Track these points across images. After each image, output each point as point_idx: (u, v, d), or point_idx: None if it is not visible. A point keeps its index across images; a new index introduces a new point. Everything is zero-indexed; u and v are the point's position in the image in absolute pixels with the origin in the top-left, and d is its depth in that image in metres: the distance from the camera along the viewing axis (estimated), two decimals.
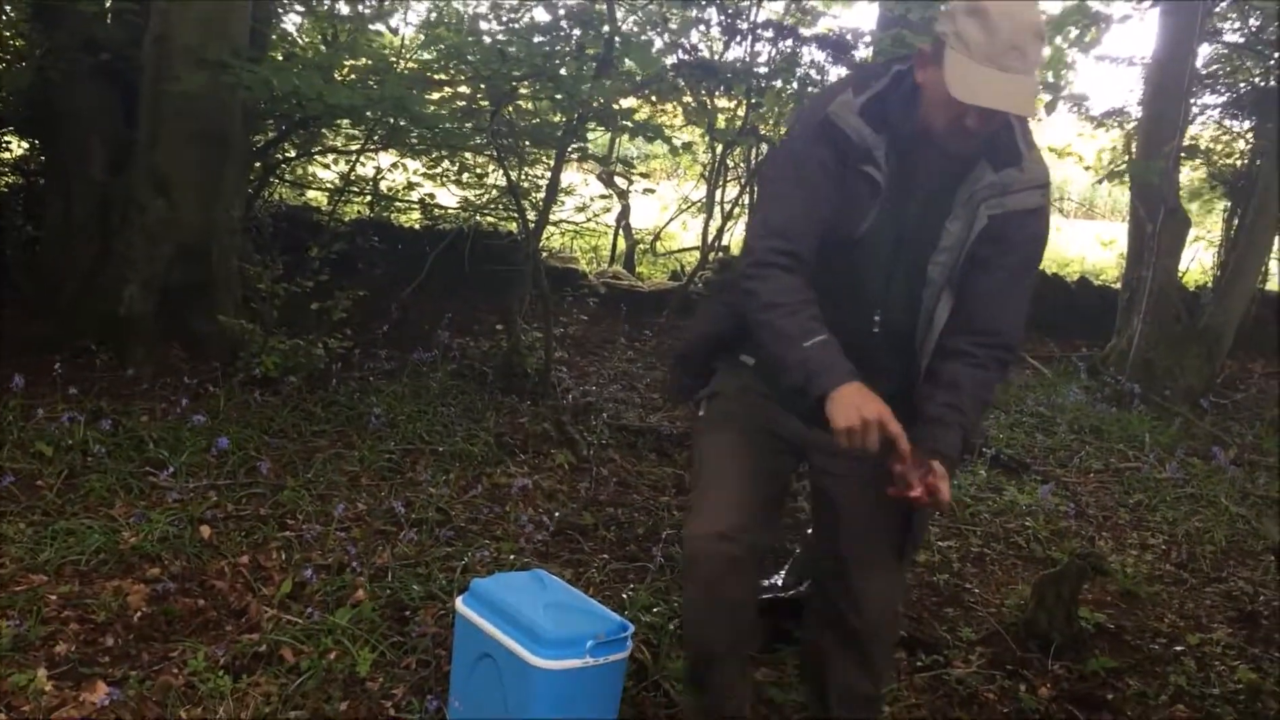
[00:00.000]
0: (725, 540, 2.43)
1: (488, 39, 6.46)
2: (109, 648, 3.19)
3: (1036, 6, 2.14)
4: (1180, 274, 9.81)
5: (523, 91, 6.65)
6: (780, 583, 3.69)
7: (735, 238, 9.67)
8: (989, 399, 2.38)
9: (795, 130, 2.48)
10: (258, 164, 7.18)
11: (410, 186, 8.66)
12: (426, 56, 7.30)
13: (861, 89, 2.29)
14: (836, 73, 7.98)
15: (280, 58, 7.04)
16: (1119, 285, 10.52)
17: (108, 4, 6.30)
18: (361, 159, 8.22)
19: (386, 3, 9.05)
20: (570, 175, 8.85)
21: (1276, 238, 9.71)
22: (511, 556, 4.08)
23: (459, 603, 2.85)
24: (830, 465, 2.53)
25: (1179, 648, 4.08)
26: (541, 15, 6.68)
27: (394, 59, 7.54)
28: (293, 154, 8.38)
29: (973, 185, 2.27)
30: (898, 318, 2.37)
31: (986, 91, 2.06)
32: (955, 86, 2.08)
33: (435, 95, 6.76)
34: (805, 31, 8.16)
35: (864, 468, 2.35)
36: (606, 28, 6.33)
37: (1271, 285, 12.39)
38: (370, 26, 8.58)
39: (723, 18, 7.19)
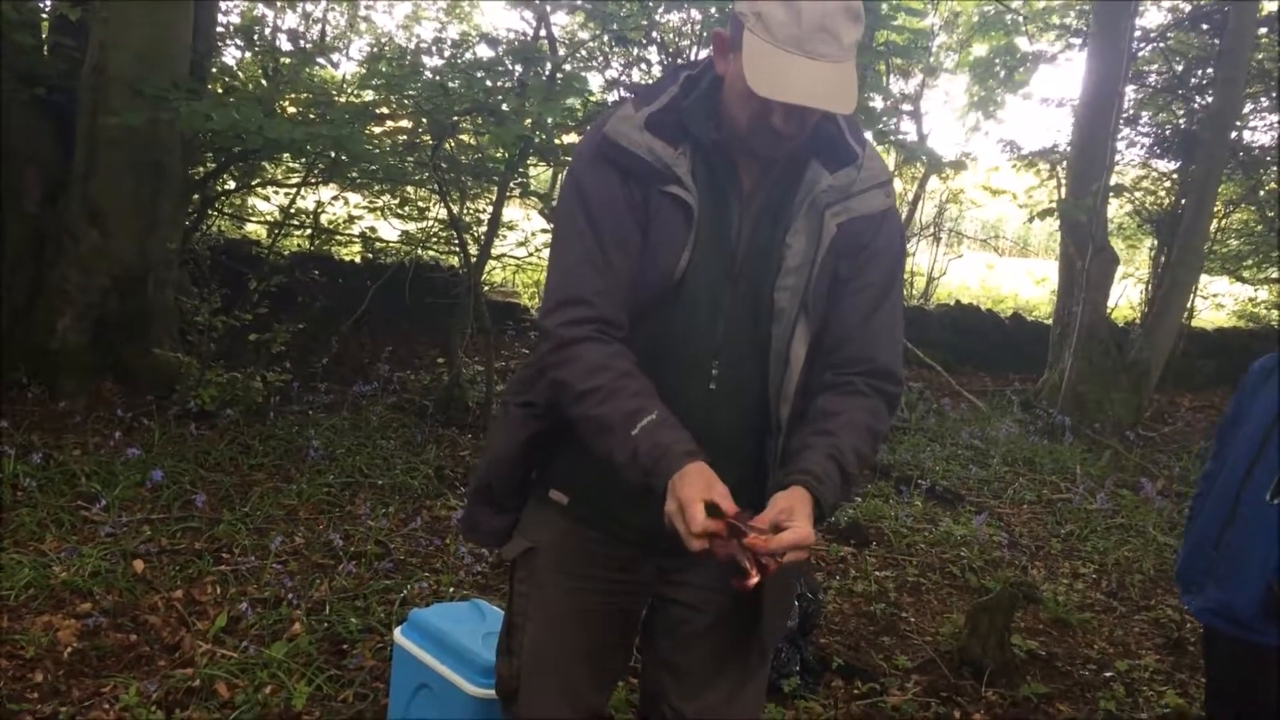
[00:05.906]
0: None
1: (430, 74, 6.48)
2: (38, 684, 3.14)
3: None
4: (1109, 310, 10.07)
5: (464, 126, 6.68)
6: None
7: None
8: (877, 428, 1.88)
9: (575, 163, 1.94)
10: (196, 196, 7.13)
11: (351, 220, 8.63)
12: (369, 94, 7.29)
13: (646, 101, 1.87)
14: None
15: (220, 91, 7.02)
16: (1051, 321, 10.77)
17: (45, 37, 6.25)
18: (302, 192, 8.19)
19: (328, 38, 9.06)
20: (512, 211, 8.86)
21: (1201, 276, 10.02)
22: (451, 589, 4.07)
23: (397, 633, 2.84)
24: (682, 598, 2.02)
25: (1109, 674, 4.17)
26: (484, 51, 6.73)
27: (335, 93, 7.53)
28: (232, 186, 8.32)
29: (810, 189, 1.85)
30: (741, 366, 1.89)
31: (792, 84, 1.66)
32: (755, 78, 1.67)
33: (377, 129, 6.77)
34: None
35: (720, 600, 1.95)
36: (549, 64, 6.40)
37: (1198, 322, 12.75)
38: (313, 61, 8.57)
39: (663, 57, 7.28)
